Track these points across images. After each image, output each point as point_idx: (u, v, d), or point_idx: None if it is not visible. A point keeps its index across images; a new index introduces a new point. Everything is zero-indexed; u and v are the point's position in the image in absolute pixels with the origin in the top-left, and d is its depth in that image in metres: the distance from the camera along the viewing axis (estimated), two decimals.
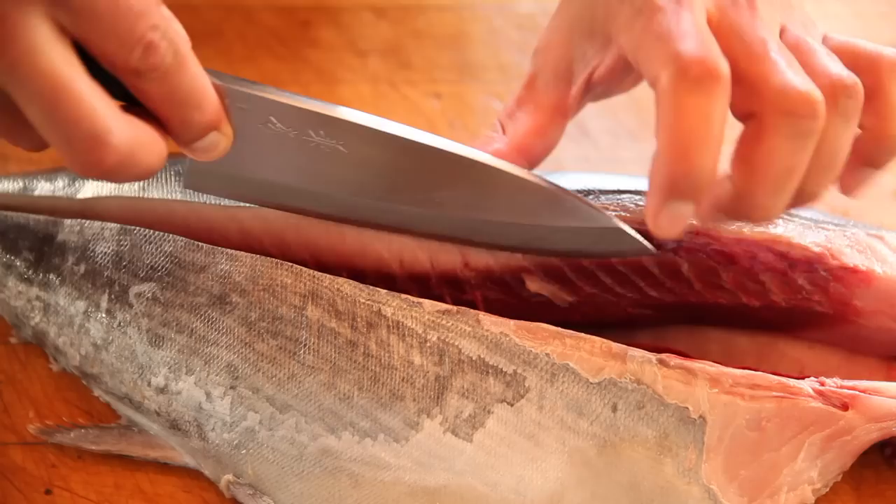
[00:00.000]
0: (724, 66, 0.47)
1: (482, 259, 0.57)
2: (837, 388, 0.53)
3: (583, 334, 0.52)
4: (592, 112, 0.59)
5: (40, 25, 0.43)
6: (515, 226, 0.55)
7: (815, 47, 0.51)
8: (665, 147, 0.47)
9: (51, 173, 0.63)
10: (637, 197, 0.57)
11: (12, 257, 0.60)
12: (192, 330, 0.54)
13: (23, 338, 0.61)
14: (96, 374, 0.57)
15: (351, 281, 0.54)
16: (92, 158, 0.44)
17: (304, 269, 0.54)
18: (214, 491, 0.55)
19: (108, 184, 0.60)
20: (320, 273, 0.54)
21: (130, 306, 0.56)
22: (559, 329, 0.52)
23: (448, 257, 0.57)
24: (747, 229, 0.57)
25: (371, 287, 0.53)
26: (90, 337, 0.57)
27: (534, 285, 0.57)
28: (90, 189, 0.61)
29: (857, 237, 0.58)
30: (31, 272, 0.59)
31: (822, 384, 0.53)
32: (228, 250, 0.55)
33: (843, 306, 0.58)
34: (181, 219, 0.58)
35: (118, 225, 0.57)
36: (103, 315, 0.56)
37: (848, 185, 0.54)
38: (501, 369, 0.52)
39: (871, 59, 0.53)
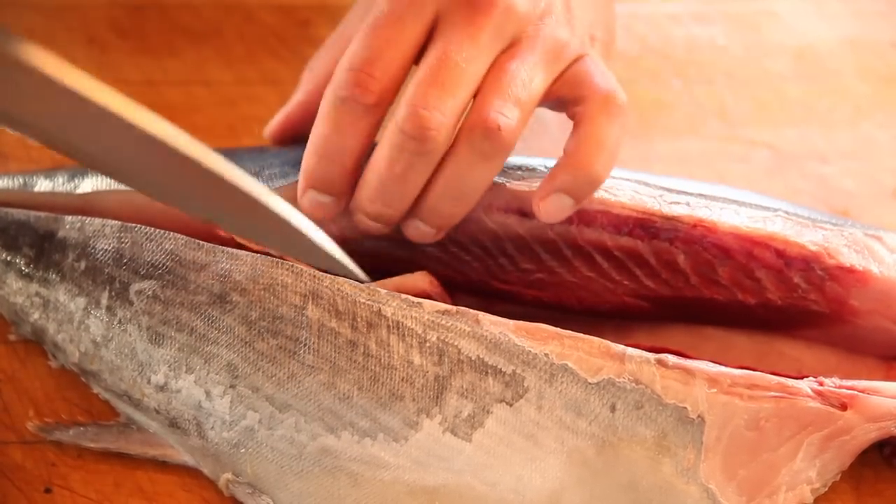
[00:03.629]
0: (370, 95, 0.52)
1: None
2: (836, 388, 0.53)
3: (581, 335, 0.53)
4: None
5: None
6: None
7: (511, 84, 0.53)
8: (308, 145, 0.54)
9: (50, 171, 0.63)
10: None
11: (12, 254, 0.60)
12: (192, 328, 0.54)
13: (21, 334, 0.61)
14: (95, 371, 0.57)
15: (351, 281, 0.54)
16: None
17: (304, 268, 0.54)
18: (214, 489, 0.55)
19: (108, 178, 0.61)
20: (321, 273, 0.54)
21: (131, 304, 0.56)
22: (558, 329, 0.53)
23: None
24: (743, 225, 0.57)
25: (371, 287, 0.54)
26: (90, 334, 0.57)
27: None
28: (89, 184, 0.61)
29: (855, 237, 0.58)
30: (31, 268, 0.59)
31: (821, 384, 0.53)
32: (229, 249, 0.55)
33: (840, 306, 0.58)
34: (177, 212, 0.59)
35: (119, 222, 0.57)
36: (103, 312, 0.56)
37: (538, 207, 0.55)
38: (500, 369, 0.52)
39: (590, 89, 0.54)
